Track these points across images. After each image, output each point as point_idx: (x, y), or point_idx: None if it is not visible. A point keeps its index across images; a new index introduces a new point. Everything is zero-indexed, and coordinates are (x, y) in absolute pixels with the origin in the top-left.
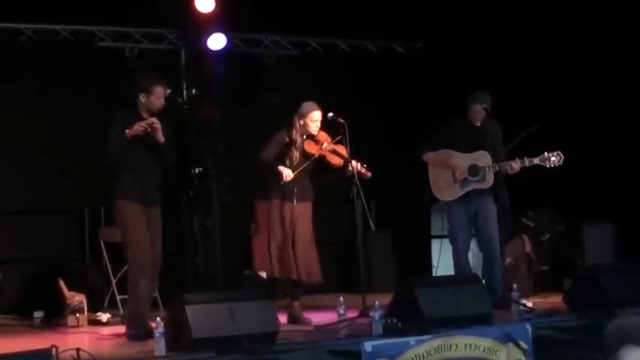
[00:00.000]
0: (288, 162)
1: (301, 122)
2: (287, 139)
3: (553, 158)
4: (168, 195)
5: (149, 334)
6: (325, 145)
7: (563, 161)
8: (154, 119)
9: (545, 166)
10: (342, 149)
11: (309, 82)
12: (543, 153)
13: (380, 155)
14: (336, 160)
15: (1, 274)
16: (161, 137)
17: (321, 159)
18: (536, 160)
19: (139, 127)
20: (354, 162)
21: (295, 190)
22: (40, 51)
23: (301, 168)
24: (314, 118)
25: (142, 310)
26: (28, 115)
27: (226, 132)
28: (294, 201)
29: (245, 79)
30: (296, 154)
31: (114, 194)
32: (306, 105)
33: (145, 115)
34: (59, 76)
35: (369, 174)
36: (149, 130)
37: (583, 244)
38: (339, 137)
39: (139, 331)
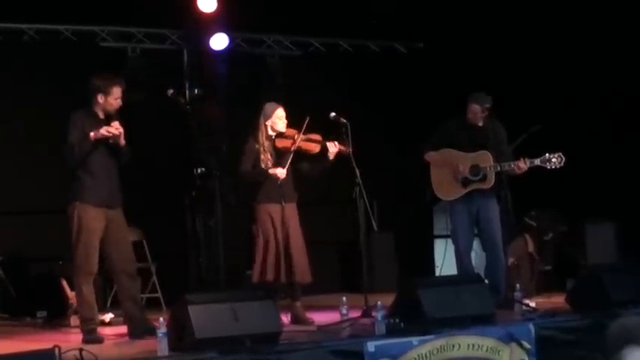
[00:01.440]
0: (263, 166)
1: (268, 123)
2: (256, 145)
3: (554, 160)
4: (170, 195)
5: (151, 332)
6: (296, 136)
7: (565, 162)
8: (117, 124)
9: (546, 168)
10: (315, 135)
11: (312, 82)
12: (544, 154)
13: (382, 155)
14: (313, 147)
15: (3, 274)
16: (123, 141)
17: (299, 150)
18: (537, 162)
19: (105, 133)
20: (329, 143)
21: (280, 191)
22: (42, 51)
23: (289, 163)
24: (279, 115)
25: (91, 314)
26: (30, 115)
27: (229, 132)
28: (283, 202)
29: (247, 79)
30: (268, 157)
31: (72, 196)
32: (269, 105)
33: (101, 115)
34: (61, 76)
35: (350, 149)
36: (116, 135)
37: (586, 244)
38: (304, 125)
39: (92, 336)
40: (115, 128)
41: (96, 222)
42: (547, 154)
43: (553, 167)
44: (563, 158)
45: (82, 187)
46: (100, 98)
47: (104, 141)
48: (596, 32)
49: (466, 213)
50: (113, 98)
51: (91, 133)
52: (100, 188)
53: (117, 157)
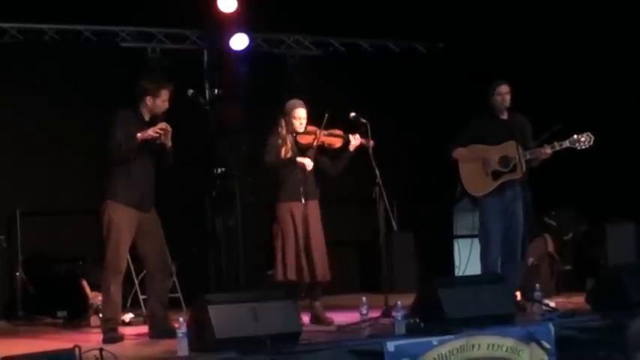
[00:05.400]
0: (285, 155)
1: (287, 119)
2: (278, 140)
3: (583, 139)
4: (190, 195)
5: (171, 333)
6: (317, 132)
7: (594, 141)
8: (166, 124)
9: (577, 149)
10: (336, 130)
11: (332, 82)
12: (572, 135)
13: (402, 155)
14: (335, 141)
15: (24, 274)
16: (169, 141)
17: (322, 146)
18: (567, 143)
19: (152, 133)
20: (352, 136)
21: (301, 189)
22: (62, 51)
23: (312, 155)
24: (296, 115)
25: (114, 314)
26: (51, 115)
27: (249, 132)
28: (302, 200)
29: (267, 79)
30: (288, 149)
31: (105, 192)
32: (290, 103)
33: (146, 117)
34: (82, 77)
35: (371, 142)
36: (163, 135)
37: (606, 244)
38: (325, 119)
39: (112, 335)
40: (161, 128)
41: (126, 221)
42: (575, 135)
43: (583, 147)
44: (592, 137)
45: (116, 186)
46: (149, 100)
47: (150, 142)
48: (619, 30)
49: (498, 207)
50: (161, 100)
51: (138, 134)
52: (134, 190)
53: (158, 160)
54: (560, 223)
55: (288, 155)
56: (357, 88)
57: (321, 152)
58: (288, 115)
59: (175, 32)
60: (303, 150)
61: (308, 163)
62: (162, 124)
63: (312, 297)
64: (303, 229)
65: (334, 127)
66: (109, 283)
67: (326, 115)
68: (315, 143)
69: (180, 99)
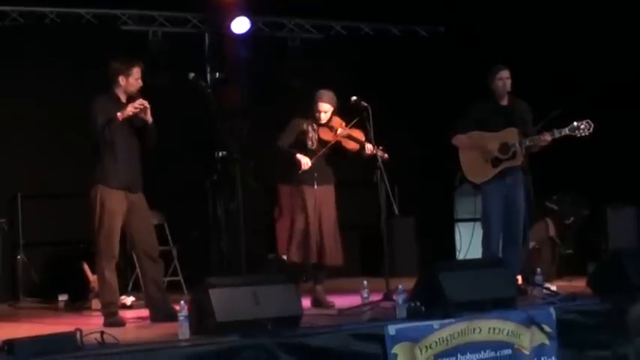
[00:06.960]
0: (309, 145)
1: (314, 110)
2: (304, 126)
3: (582, 127)
4: (191, 179)
5: (173, 316)
6: (339, 131)
7: (593, 129)
8: (143, 100)
9: (576, 136)
10: (358, 133)
11: (333, 65)
12: (572, 123)
13: (403, 139)
14: (352, 145)
15: (25, 258)
16: (150, 117)
17: (338, 145)
18: (566, 130)
19: (132, 109)
20: (369, 145)
21: (315, 174)
22: (63, 35)
23: (317, 156)
24: (320, 109)
25: (112, 298)
26: (52, 99)
27: (250, 116)
28: (315, 185)
29: (269, 62)
30: (315, 138)
31: (95, 178)
32: (318, 93)
33: (123, 98)
34: (83, 60)
35: (386, 155)
36: (142, 110)
37: (607, 228)
38: (354, 122)
39: (114, 319)
40: (140, 103)
41: (118, 205)
42: (575, 122)
43: (582, 135)
44: (592, 124)
45: (105, 170)
46: (122, 80)
47: (131, 121)
48: (620, 14)
49: (499, 194)
50: (134, 79)
51: (118, 114)
52: (122, 171)
53: (141, 140)
54: (561, 207)
55: (314, 145)
56: (358, 72)
57: (337, 150)
58: (315, 105)
59: (176, 16)
60: (322, 142)
61: (305, 164)
62: (140, 100)
63: (315, 280)
64: (316, 213)
65: (360, 128)
66: (103, 269)
67: (360, 117)
68: (332, 141)
69: (182, 83)
